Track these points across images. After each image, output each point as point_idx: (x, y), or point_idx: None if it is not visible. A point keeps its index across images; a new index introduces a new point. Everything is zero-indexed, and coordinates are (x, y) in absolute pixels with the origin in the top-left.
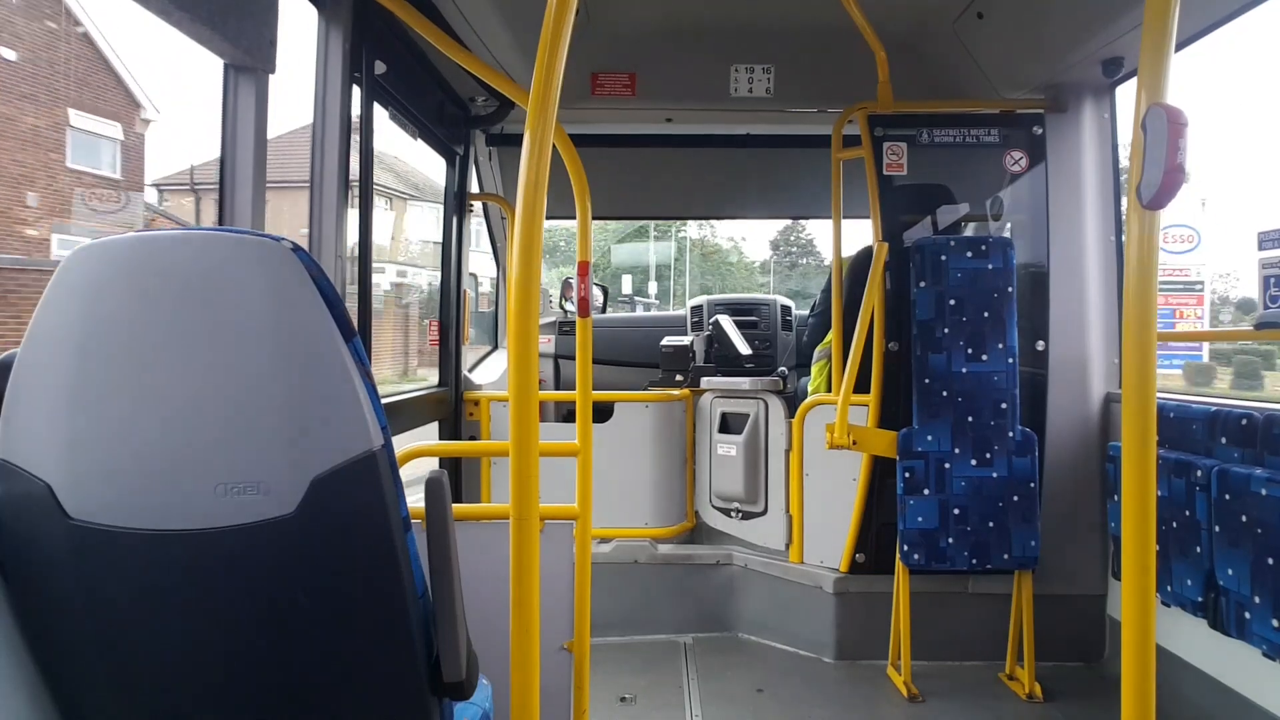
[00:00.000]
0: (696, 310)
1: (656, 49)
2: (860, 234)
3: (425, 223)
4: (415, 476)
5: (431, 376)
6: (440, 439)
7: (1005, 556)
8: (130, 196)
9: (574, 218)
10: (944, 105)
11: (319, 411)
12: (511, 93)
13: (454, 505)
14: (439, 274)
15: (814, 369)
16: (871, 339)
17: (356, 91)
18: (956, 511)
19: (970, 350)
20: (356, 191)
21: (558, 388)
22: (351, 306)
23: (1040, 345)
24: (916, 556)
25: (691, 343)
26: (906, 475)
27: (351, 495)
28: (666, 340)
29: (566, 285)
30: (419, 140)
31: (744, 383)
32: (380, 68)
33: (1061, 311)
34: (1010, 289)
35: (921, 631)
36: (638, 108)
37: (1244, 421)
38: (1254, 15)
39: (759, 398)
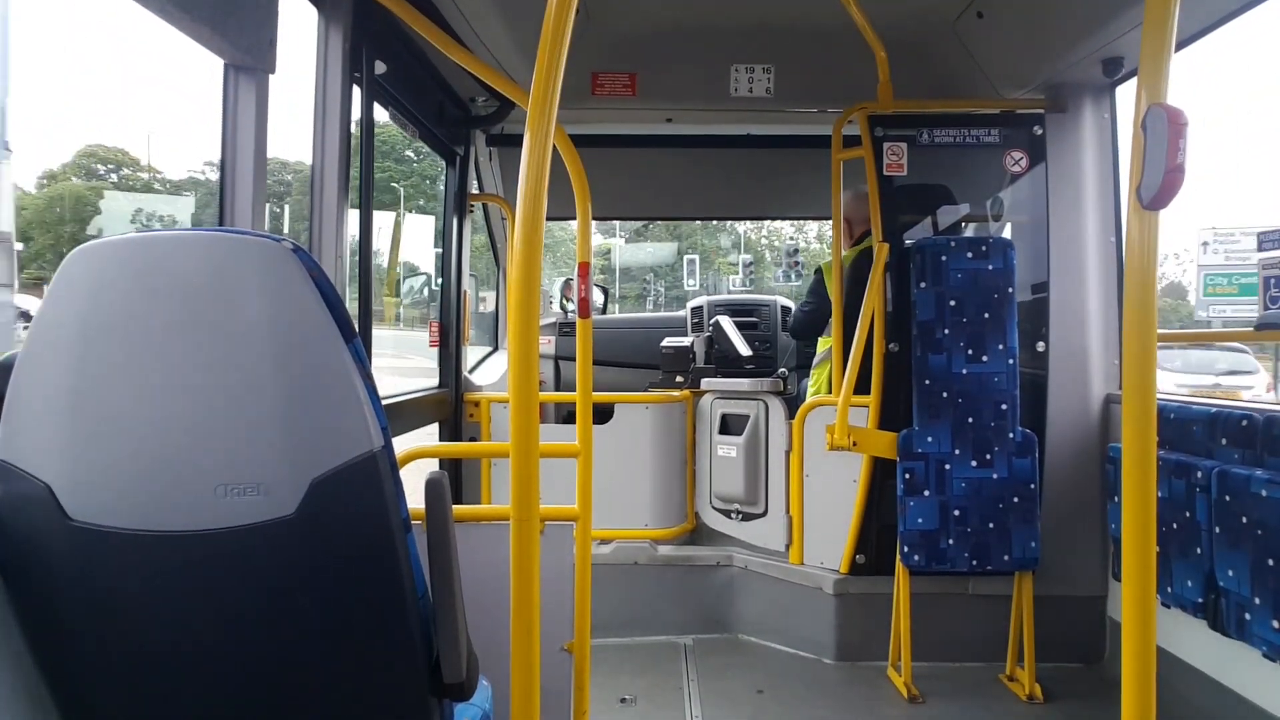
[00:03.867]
0: (697, 311)
1: (657, 49)
2: None
3: None
4: (416, 477)
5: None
6: (441, 440)
7: (1005, 558)
8: None
9: (574, 218)
10: (944, 105)
11: (319, 412)
12: (512, 93)
13: (454, 506)
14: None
15: (814, 373)
16: (872, 340)
17: (357, 92)
18: (957, 513)
19: (970, 351)
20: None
21: (558, 389)
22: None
23: (1040, 346)
24: (917, 558)
25: (692, 344)
26: (906, 476)
27: (351, 496)
28: (667, 341)
29: (566, 286)
30: (419, 140)
31: (744, 384)
32: (380, 68)
33: (1061, 312)
34: (1010, 290)
35: (922, 633)
36: (638, 108)
37: (1244, 423)
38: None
39: (759, 399)
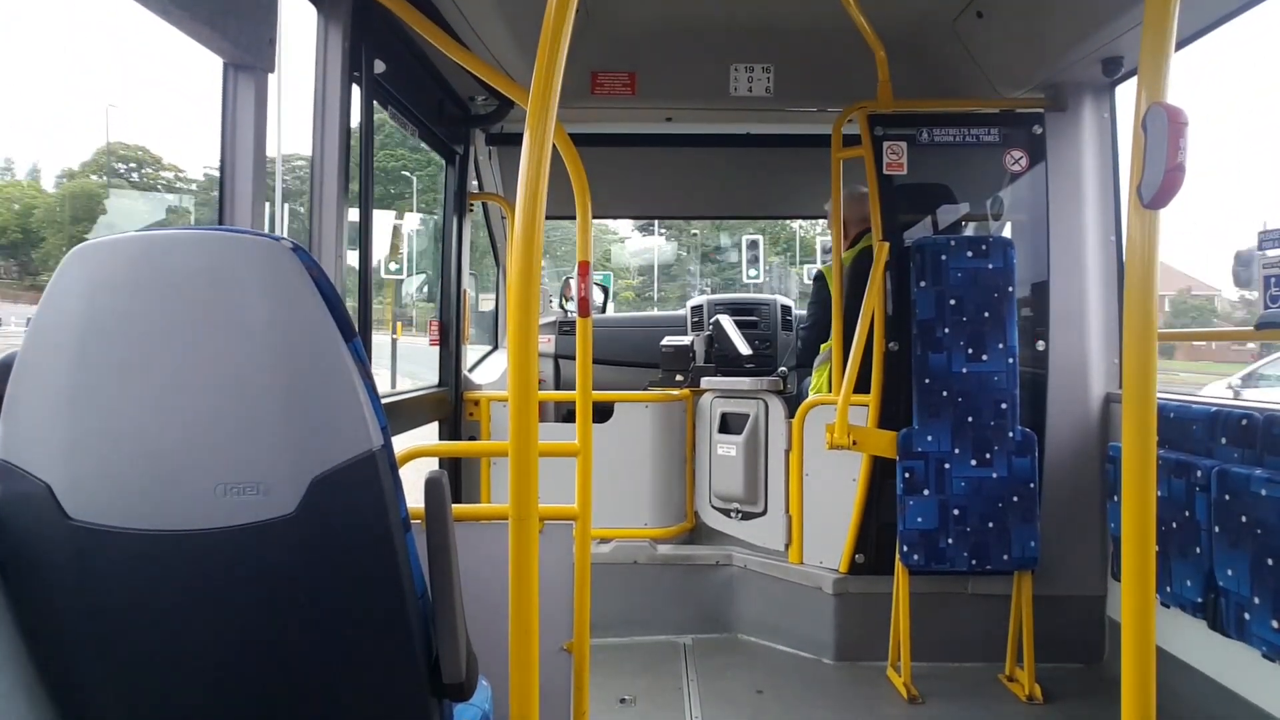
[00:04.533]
0: (697, 310)
1: (656, 48)
2: None
3: None
4: (415, 477)
5: None
6: (440, 439)
7: (1005, 557)
8: None
9: (574, 217)
10: (944, 104)
11: (319, 411)
12: (511, 92)
13: (454, 505)
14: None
15: (815, 374)
16: (872, 339)
17: (356, 91)
18: (956, 512)
19: (970, 350)
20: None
21: (558, 387)
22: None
23: (1040, 345)
24: (916, 557)
25: (691, 343)
26: (906, 475)
27: (351, 495)
28: (666, 340)
29: (566, 285)
30: (419, 140)
31: (744, 383)
32: (380, 67)
33: (1061, 311)
34: (1010, 289)
35: (921, 632)
36: (638, 107)
37: (1244, 422)
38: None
39: (759, 398)
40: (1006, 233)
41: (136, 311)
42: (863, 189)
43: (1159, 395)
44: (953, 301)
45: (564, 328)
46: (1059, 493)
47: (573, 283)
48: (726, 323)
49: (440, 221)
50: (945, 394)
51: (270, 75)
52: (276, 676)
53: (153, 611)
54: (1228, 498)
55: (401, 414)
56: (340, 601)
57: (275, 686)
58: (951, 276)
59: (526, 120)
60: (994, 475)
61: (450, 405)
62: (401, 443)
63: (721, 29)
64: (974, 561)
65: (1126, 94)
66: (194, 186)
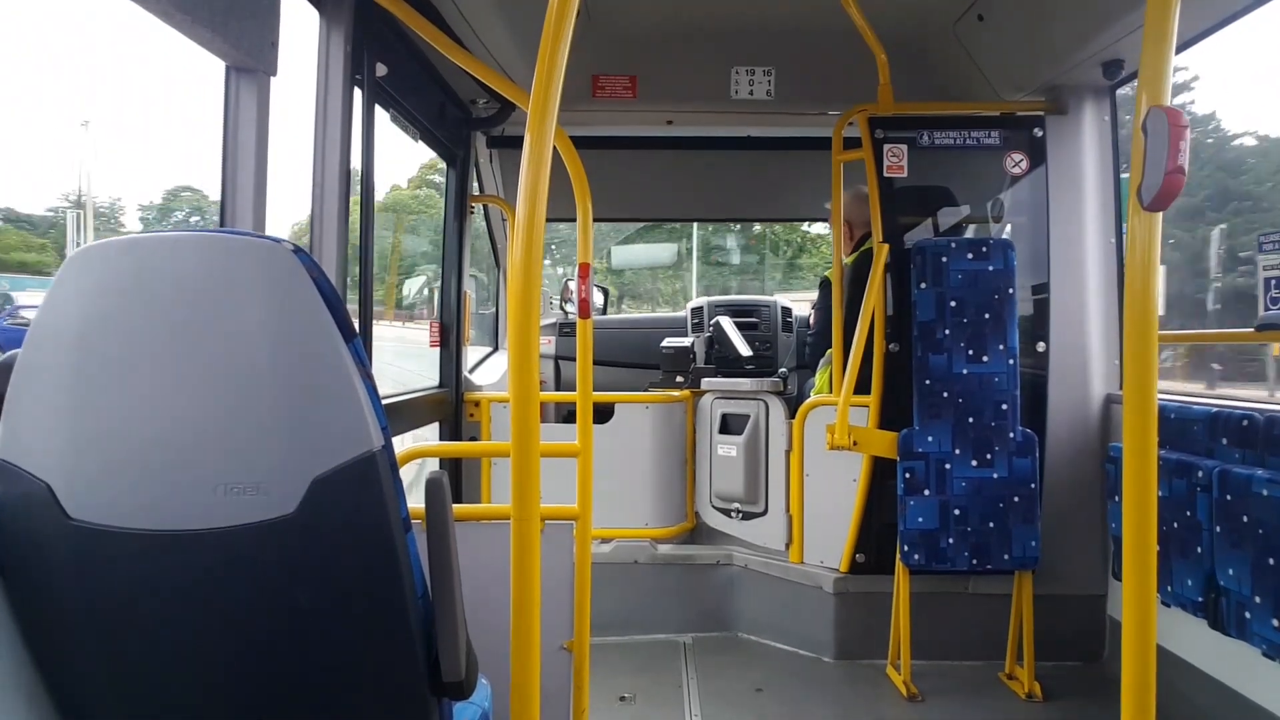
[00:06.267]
0: (697, 311)
1: (657, 51)
2: None
3: None
4: (416, 477)
5: None
6: (441, 439)
7: (1005, 557)
8: None
9: (574, 220)
10: (944, 107)
11: (319, 412)
12: (512, 95)
13: (454, 506)
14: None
15: (818, 374)
16: (872, 340)
17: (357, 93)
18: (957, 512)
19: (971, 351)
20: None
21: (558, 389)
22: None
23: (1040, 346)
24: (917, 557)
25: (692, 344)
26: (907, 476)
27: (351, 496)
28: (667, 341)
29: (566, 287)
30: (419, 142)
31: (744, 384)
32: (381, 70)
33: (1061, 313)
34: (1011, 290)
35: (921, 631)
36: (638, 110)
37: (1245, 422)
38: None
39: (759, 399)
40: (1007, 235)
41: (138, 313)
42: (867, 189)
43: (1159, 396)
44: (953, 303)
45: (564, 329)
46: (1059, 493)
47: (572, 285)
48: (726, 324)
49: (441, 224)
50: (946, 395)
51: (272, 78)
52: (276, 676)
53: (152, 611)
54: (1229, 498)
55: (402, 415)
56: (340, 601)
57: (275, 686)
58: (952, 278)
59: (527, 123)
60: (994, 476)
61: (451, 406)
62: (402, 443)
63: (722, 32)
64: (974, 561)
65: (1127, 96)
66: None
